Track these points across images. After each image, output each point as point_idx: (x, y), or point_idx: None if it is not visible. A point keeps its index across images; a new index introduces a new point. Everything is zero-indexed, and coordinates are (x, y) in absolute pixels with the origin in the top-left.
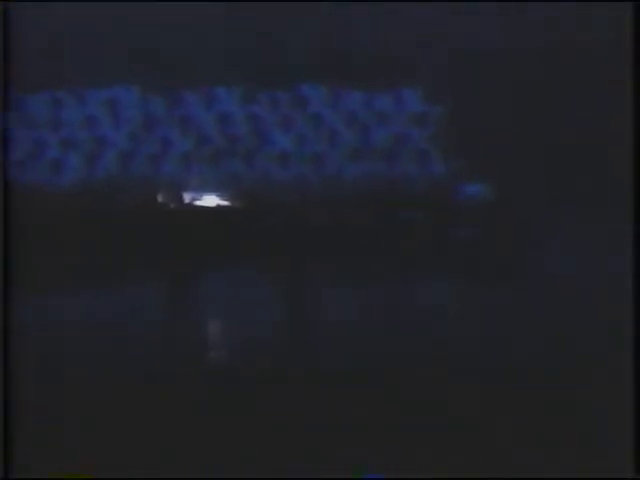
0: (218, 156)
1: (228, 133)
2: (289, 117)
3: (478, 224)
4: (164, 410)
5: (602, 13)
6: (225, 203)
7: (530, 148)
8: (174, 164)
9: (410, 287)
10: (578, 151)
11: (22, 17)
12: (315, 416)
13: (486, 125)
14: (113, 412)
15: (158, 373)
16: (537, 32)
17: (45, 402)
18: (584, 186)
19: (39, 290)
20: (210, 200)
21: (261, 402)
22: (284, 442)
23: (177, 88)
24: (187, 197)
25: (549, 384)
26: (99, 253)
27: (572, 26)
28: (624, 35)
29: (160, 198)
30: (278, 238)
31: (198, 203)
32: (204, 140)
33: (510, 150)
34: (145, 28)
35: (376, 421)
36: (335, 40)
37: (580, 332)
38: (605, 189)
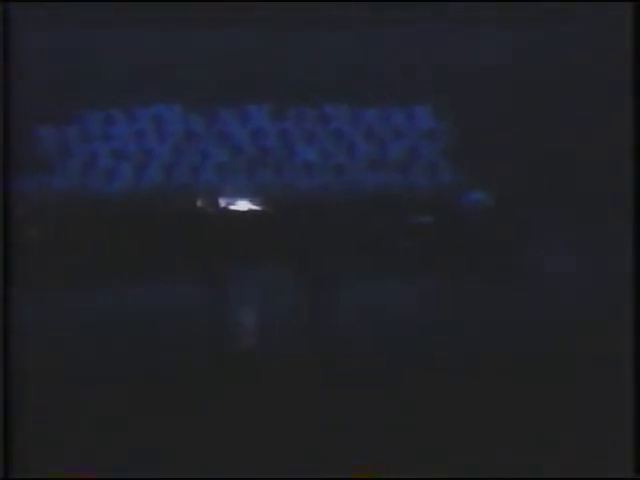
0: (250, 166)
1: (259, 146)
2: (313, 132)
3: (480, 227)
4: (162, 410)
5: (602, 13)
6: (256, 208)
7: (530, 151)
8: (211, 174)
9: (416, 281)
10: (578, 151)
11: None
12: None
13: (487, 127)
14: (113, 412)
15: (166, 371)
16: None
17: (45, 402)
18: (584, 186)
19: (97, 284)
20: (243, 205)
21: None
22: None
23: (214, 106)
24: (222, 203)
25: (549, 384)
26: (144, 253)
27: (572, 26)
28: (624, 35)
29: (199, 203)
30: (302, 239)
31: (232, 208)
32: (238, 152)
33: (510, 151)
34: (186, 54)
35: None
36: (354, 63)
37: (580, 332)
38: (605, 189)
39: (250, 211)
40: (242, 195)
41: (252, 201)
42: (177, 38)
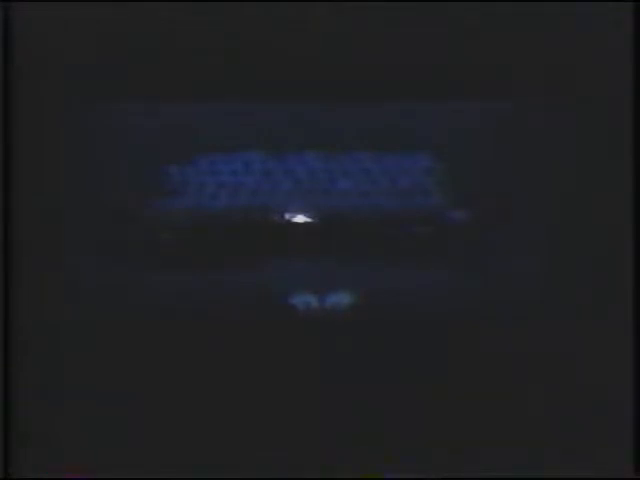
0: (305, 192)
1: (312, 179)
2: (348, 170)
3: (459, 233)
4: (158, 410)
5: (602, 13)
6: (310, 220)
7: (499, 182)
8: (281, 197)
9: (415, 273)
10: (578, 151)
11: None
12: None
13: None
14: (114, 411)
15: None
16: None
17: (45, 402)
18: (583, 185)
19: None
20: (301, 218)
21: None
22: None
23: (283, 153)
24: (288, 217)
25: (548, 384)
26: (233, 249)
27: (571, 26)
28: (624, 35)
29: (273, 217)
30: (340, 240)
31: (295, 220)
32: (298, 183)
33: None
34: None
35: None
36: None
37: (579, 332)
38: (605, 189)
39: (306, 222)
40: (301, 212)
41: (307, 215)
42: (268, 113)
